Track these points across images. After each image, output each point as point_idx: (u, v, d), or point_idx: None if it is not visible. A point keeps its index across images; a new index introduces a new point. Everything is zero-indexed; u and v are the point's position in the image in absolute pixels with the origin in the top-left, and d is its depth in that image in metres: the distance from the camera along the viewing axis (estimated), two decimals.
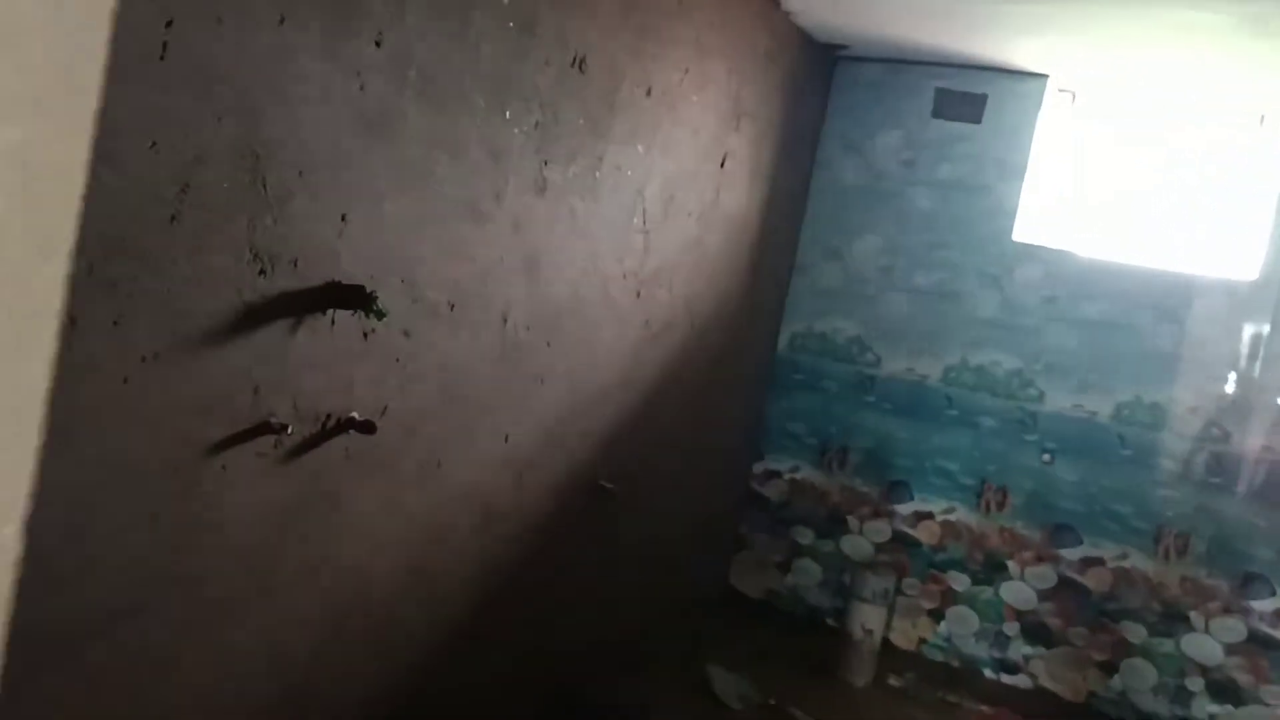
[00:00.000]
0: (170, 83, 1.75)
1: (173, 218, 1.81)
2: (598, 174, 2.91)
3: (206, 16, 1.78)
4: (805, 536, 4.41)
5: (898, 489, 4.24)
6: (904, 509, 4.21)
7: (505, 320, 2.70)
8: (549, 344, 2.90)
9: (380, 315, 2.14)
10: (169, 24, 1.72)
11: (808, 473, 4.37)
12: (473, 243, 2.51)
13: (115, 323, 1.76)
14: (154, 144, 1.74)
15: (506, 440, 2.84)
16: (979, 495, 4.07)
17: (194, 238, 1.85)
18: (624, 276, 3.18)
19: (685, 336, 3.64)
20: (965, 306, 4.08)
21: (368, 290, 2.15)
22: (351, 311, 2.16)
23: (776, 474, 4.44)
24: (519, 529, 2.99)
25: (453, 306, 2.50)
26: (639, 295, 3.28)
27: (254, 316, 2.01)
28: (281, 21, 1.91)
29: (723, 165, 3.62)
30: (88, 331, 1.72)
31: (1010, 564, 4.07)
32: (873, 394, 4.26)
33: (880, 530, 4.29)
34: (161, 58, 1.73)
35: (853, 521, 4.32)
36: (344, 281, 2.18)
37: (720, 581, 4.54)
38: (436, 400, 2.53)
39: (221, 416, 2.00)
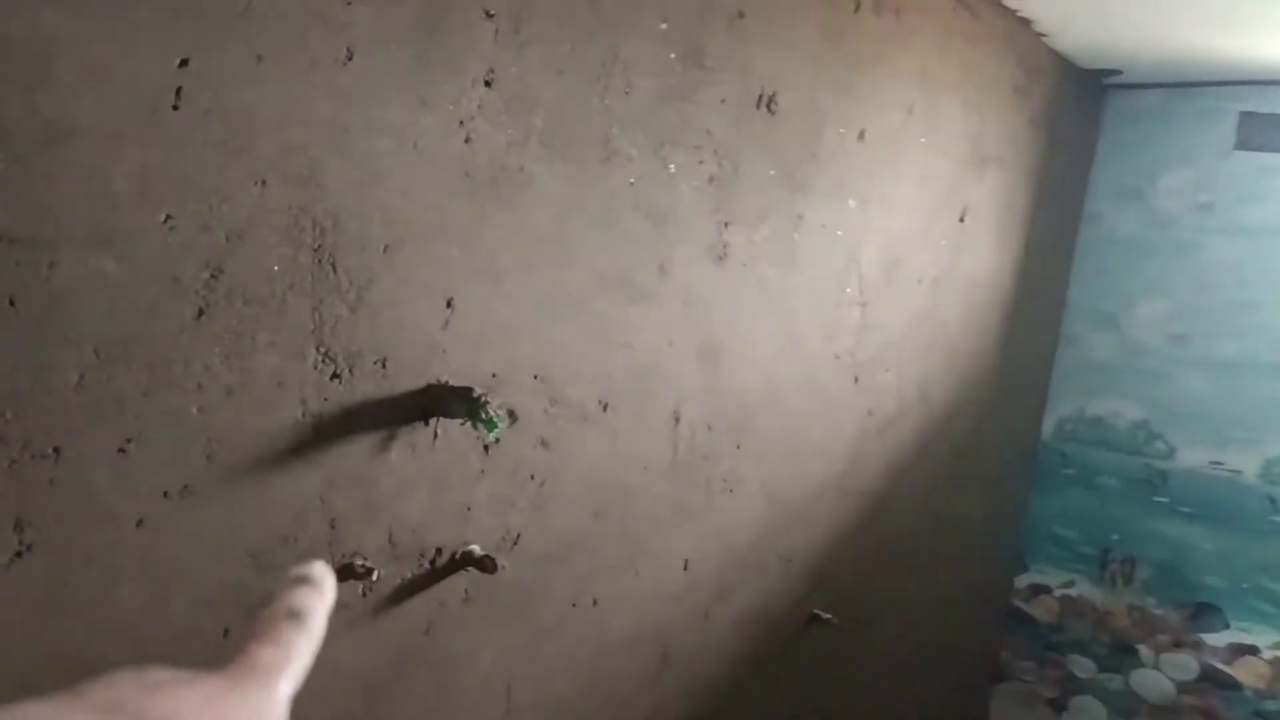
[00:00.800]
0: (188, 138, 1.32)
1: (200, 312, 1.37)
2: (796, 236, 2.33)
3: (238, 52, 1.34)
4: (1084, 669, 3.53)
5: (1206, 613, 3.32)
6: (1216, 639, 3.28)
7: (677, 420, 2.14)
8: (738, 446, 2.32)
9: (491, 425, 1.63)
10: (183, 63, 1.29)
11: (1084, 588, 3.52)
12: (629, 327, 1.98)
13: (121, 449, 1.32)
14: (168, 218, 1.31)
15: (686, 568, 2.26)
16: None
17: (233, 336, 1.40)
18: (836, 358, 2.55)
19: (920, 427, 2.95)
20: None
21: (475, 394, 1.64)
22: (461, 421, 1.66)
23: (1045, 589, 3.62)
24: (708, 676, 2.39)
25: (605, 406, 1.97)
26: (857, 381, 2.64)
27: (326, 432, 1.55)
28: (349, 59, 1.45)
29: (962, 220, 2.93)
30: (82, 462, 1.30)
31: None
32: (1165, 493, 3.38)
33: (1184, 665, 3.36)
34: (175, 107, 1.30)
35: (1145, 652, 3.42)
36: (449, 383, 1.68)
37: None
38: (587, 524, 2.00)
39: (283, 562, 1.53)
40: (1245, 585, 3.25)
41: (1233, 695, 3.29)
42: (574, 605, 2.03)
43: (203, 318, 1.39)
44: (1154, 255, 3.45)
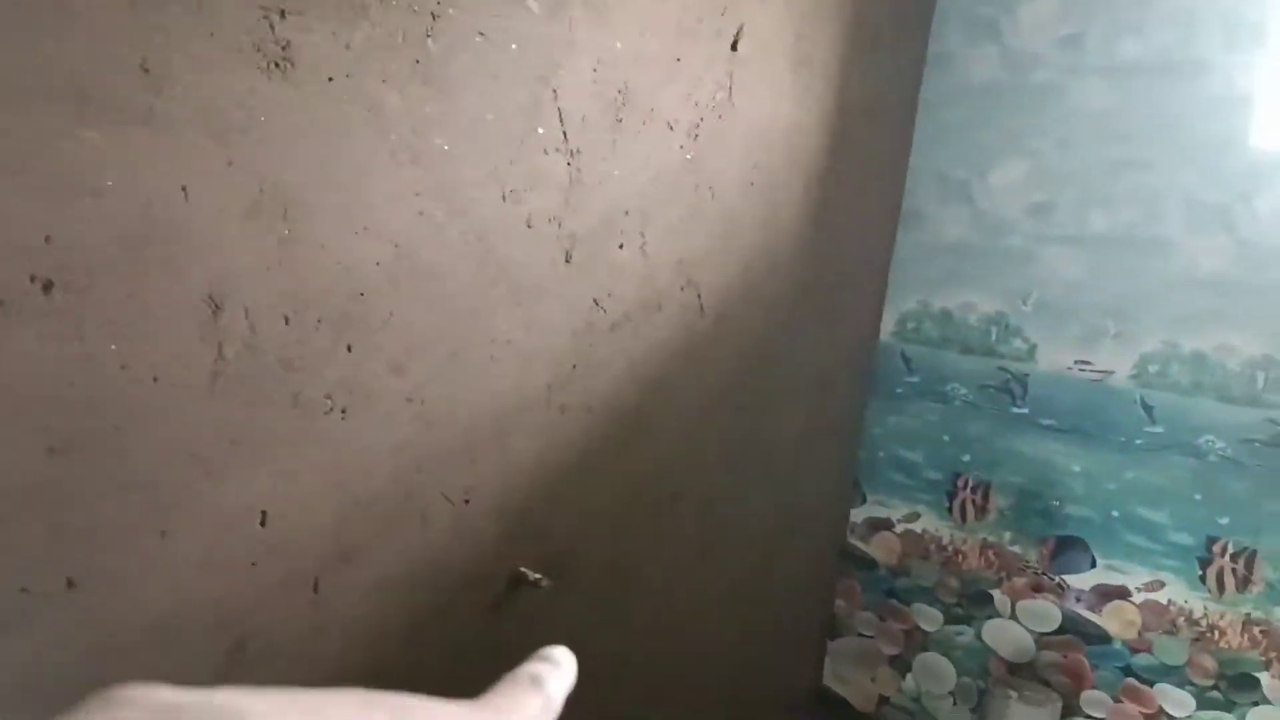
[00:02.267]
0: None
1: None
2: (432, 44, 1.61)
3: None
4: (930, 619, 2.91)
5: (1070, 550, 2.69)
6: (1081, 581, 2.66)
7: (217, 308, 1.44)
8: (349, 347, 1.62)
9: None
10: None
11: (930, 522, 2.89)
12: (93, 162, 1.27)
13: None
14: None
15: (264, 523, 1.57)
16: (1204, 561, 2.48)
17: None
18: (528, 226, 1.85)
19: (687, 323, 2.26)
20: (1172, 261, 2.50)
21: None
22: None
23: (885, 524, 2.97)
24: (325, 668, 1.72)
25: (48, 286, 1.26)
26: (570, 259, 1.94)
27: None
28: None
29: (734, 48, 2.20)
30: None
31: (1265, 674, 2.47)
32: (1024, 403, 2.73)
33: (1044, 613, 2.75)
34: None
35: (1000, 598, 2.80)
36: None
37: (809, 683, 3.11)
38: (40, 465, 1.31)
39: None
40: (1115, 514, 2.62)
41: (1100, 649, 2.68)
42: (23, 590, 1.33)
43: None
44: (1012, 104, 2.75)
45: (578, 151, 1.94)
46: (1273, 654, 2.44)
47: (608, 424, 2.14)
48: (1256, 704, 2.47)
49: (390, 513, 1.78)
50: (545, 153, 1.88)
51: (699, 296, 2.31)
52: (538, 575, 2.01)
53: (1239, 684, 2.50)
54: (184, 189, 1.40)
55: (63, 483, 1.36)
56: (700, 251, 2.28)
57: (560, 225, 1.94)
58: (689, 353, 2.31)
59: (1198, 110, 2.51)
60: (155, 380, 1.43)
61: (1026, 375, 2.77)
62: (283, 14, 1.44)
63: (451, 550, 1.90)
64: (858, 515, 3.08)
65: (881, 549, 3.05)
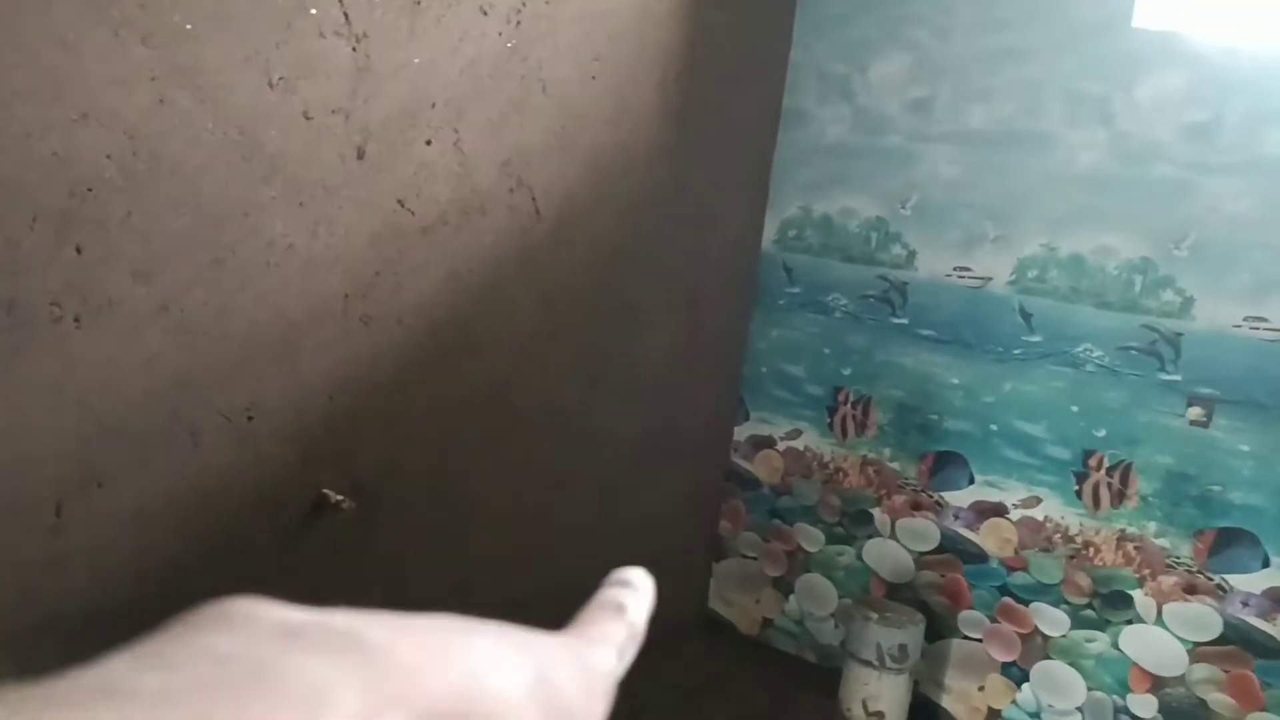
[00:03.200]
0: None
1: None
2: None
3: None
4: (812, 539, 2.79)
5: (949, 466, 2.56)
6: (959, 498, 2.54)
7: None
8: (79, 249, 1.45)
9: None
10: None
11: (811, 439, 2.76)
12: None
13: None
14: None
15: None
16: (1080, 475, 2.35)
17: None
18: (307, 118, 1.67)
19: (520, 228, 2.10)
20: (1051, 156, 2.33)
21: None
22: None
23: (767, 442, 2.84)
24: (72, 613, 1.58)
25: None
26: (363, 155, 1.76)
27: None
28: None
29: None
30: None
31: (1139, 591, 2.36)
32: (904, 312, 2.59)
33: (923, 532, 2.63)
34: None
35: (880, 517, 2.68)
36: None
37: (695, 606, 3.00)
38: None
39: None
40: (994, 427, 2.49)
41: (978, 567, 2.56)
42: None
43: None
44: None
45: (364, 35, 1.75)
46: (1146, 571, 2.33)
47: (425, 337, 1.98)
48: (1130, 622, 2.36)
49: (148, 433, 1.62)
50: (321, 36, 1.69)
51: (533, 199, 2.14)
52: (340, 497, 1.87)
53: (1113, 601, 2.39)
54: None
55: None
56: (532, 150, 2.10)
57: (347, 118, 1.76)
58: (523, 260, 2.15)
59: None
60: None
61: (906, 284, 2.62)
62: None
63: (233, 473, 1.75)
64: (741, 433, 2.95)
65: (765, 468, 2.92)
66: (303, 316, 1.79)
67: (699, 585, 3.10)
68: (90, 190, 1.48)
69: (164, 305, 1.60)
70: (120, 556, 1.63)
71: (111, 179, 1.49)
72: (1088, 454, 2.36)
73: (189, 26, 1.52)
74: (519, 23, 2.01)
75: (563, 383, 2.35)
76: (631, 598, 0.45)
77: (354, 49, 1.75)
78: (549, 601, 2.42)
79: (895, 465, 2.68)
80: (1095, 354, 2.32)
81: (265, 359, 1.75)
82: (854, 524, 2.77)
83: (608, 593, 0.46)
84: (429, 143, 1.91)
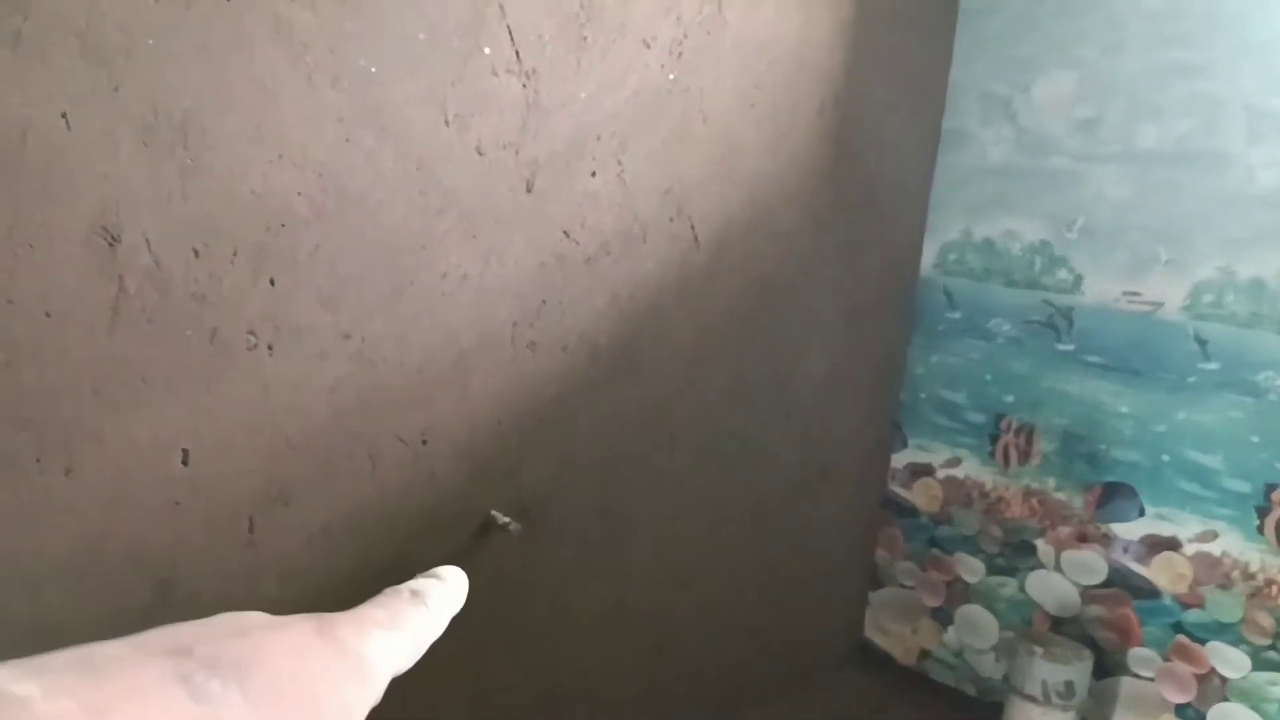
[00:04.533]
0: None
1: None
2: None
3: None
4: (972, 570, 2.73)
5: (1118, 497, 2.47)
6: (1128, 531, 2.44)
7: (113, 239, 1.38)
8: (272, 281, 1.55)
9: None
10: None
11: (971, 467, 2.70)
12: None
13: None
14: None
15: (186, 461, 1.52)
16: (1262, 510, 2.24)
17: None
18: (479, 152, 1.74)
19: (680, 255, 2.14)
20: (1228, 176, 2.24)
21: None
22: None
23: (925, 470, 2.79)
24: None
25: None
26: (531, 188, 1.83)
27: None
28: None
29: None
30: None
31: None
32: (1070, 338, 2.51)
33: (1089, 565, 2.54)
34: None
35: (1044, 549, 2.60)
36: None
37: (850, 636, 2.97)
38: None
39: None
40: (1165, 458, 2.39)
41: (1149, 603, 2.46)
42: None
43: None
44: (1057, 6, 2.50)
45: (534, 72, 1.82)
46: None
47: (588, 362, 2.03)
48: None
49: (332, 453, 1.72)
50: (494, 74, 1.76)
51: (692, 227, 2.17)
52: (508, 519, 1.93)
53: None
54: (64, 116, 1.33)
55: None
56: (692, 179, 2.14)
57: (518, 152, 1.83)
58: (683, 287, 2.18)
59: (1260, 2, 2.22)
60: (48, 315, 1.38)
61: (1071, 309, 2.54)
62: None
63: (409, 493, 1.83)
64: (899, 460, 2.90)
65: (923, 496, 2.87)
66: (473, 343, 1.86)
67: (854, 614, 3.06)
68: (283, 225, 1.57)
69: (348, 333, 1.68)
70: (307, 569, 1.72)
71: (302, 214, 1.59)
72: (1270, 488, 2.24)
73: (373, 69, 1.61)
74: (680, 54, 2.04)
75: (720, 406, 2.37)
76: (434, 587, 0.45)
77: (524, 85, 1.82)
78: (705, 622, 2.44)
79: (1060, 495, 2.59)
80: (1279, 382, 2.20)
81: (439, 384, 1.83)
82: (1016, 555, 2.70)
83: (410, 582, 0.45)
84: (593, 174, 1.96)
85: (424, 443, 1.84)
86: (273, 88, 1.52)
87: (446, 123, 1.73)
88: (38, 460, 1.41)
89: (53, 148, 1.34)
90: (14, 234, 1.34)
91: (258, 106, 1.51)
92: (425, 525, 1.88)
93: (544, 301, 1.94)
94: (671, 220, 2.12)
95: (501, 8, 1.75)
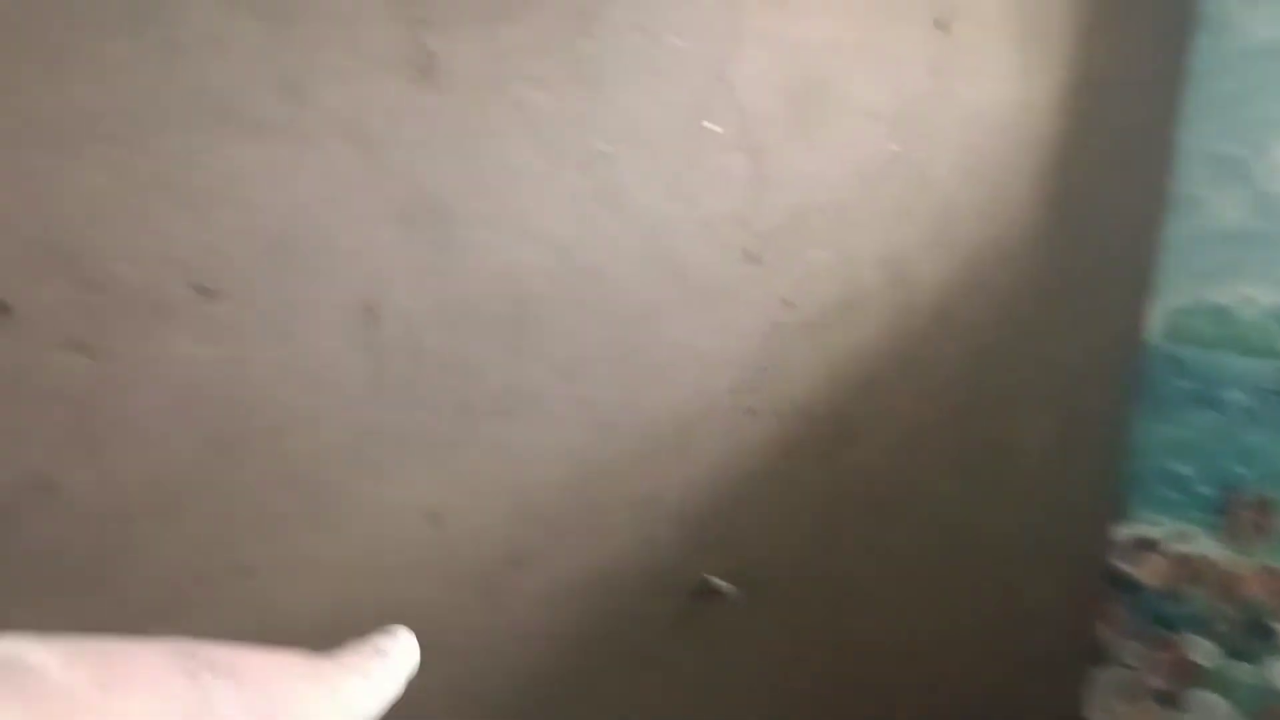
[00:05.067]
0: None
1: None
2: (584, 43, 1.53)
3: None
4: (1206, 653, 2.48)
5: None
6: None
7: (373, 313, 1.42)
8: (517, 350, 1.56)
9: None
10: None
11: (1204, 544, 2.47)
12: (239, 174, 1.30)
13: None
14: None
15: (435, 522, 1.54)
16: None
17: None
18: (706, 225, 1.72)
19: (896, 322, 2.05)
20: None
21: None
22: None
23: (1150, 544, 2.58)
24: (506, 669, 1.68)
25: (209, 293, 1.28)
26: (755, 258, 1.79)
27: None
28: None
29: (944, 29, 1.97)
30: None
31: None
32: None
33: None
34: None
35: None
36: None
37: (1070, 713, 2.75)
38: (207, 463, 1.36)
39: None
40: None
41: None
42: (199, 578, 1.37)
43: None
44: None
45: (759, 147, 1.79)
46: None
47: (804, 429, 1.97)
48: None
49: (564, 517, 1.71)
50: (721, 150, 1.74)
51: (910, 294, 2.08)
52: (724, 584, 1.87)
53: None
54: (332, 198, 1.39)
55: (228, 478, 1.39)
56: (910, 246, 2.05)
57: (742, 224, 1.80)
58: (901, 354, 2.09)
59: None
60: (314, 382, 1.43)
61: None
62: (427, 23, 1.40)
63: (631, 557, 1.80)
64: (1122, 533, 2.68)
65: (1148, 571, 2.64)
66: (696, 410, 1.82)
67: (1073, 691, 2.83)
68: (525, 299, 1.58)
69: (582, 400, 1.68)
70: (540, 630, 1.71)
71: (542, 289, 1.59)
72: None
73: (609, 149, 1.61)
74: (902, 125, 1.97)
75: (936, 474, 2.25)
76: (395, 647, 0.45)
77: (749, 160, 1.78)
78: (923, 694, 2.29)
79: None
80: None
81: (663, 450, 1.80)
82: (1252, 638, 2.43)
83: (373, 639, 0.46)
84: (814, 244, 1.90)
85: (647, 507, 1.80)
86: (517, 170, 1.53)
87: (675, 197, 1.71)
88: (304, 518, 1.45)
89: (321, 227, 1.39)
90: (289, 308, 1.39)
91: (504, 188, 1.53)
92: (646, 588, 1.84)
93: (764, 369, 1.89)
94: (889, 287, 2.04)
95: (731, 87, 1.72)
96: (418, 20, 1.41)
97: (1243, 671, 2.47)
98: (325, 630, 1.44)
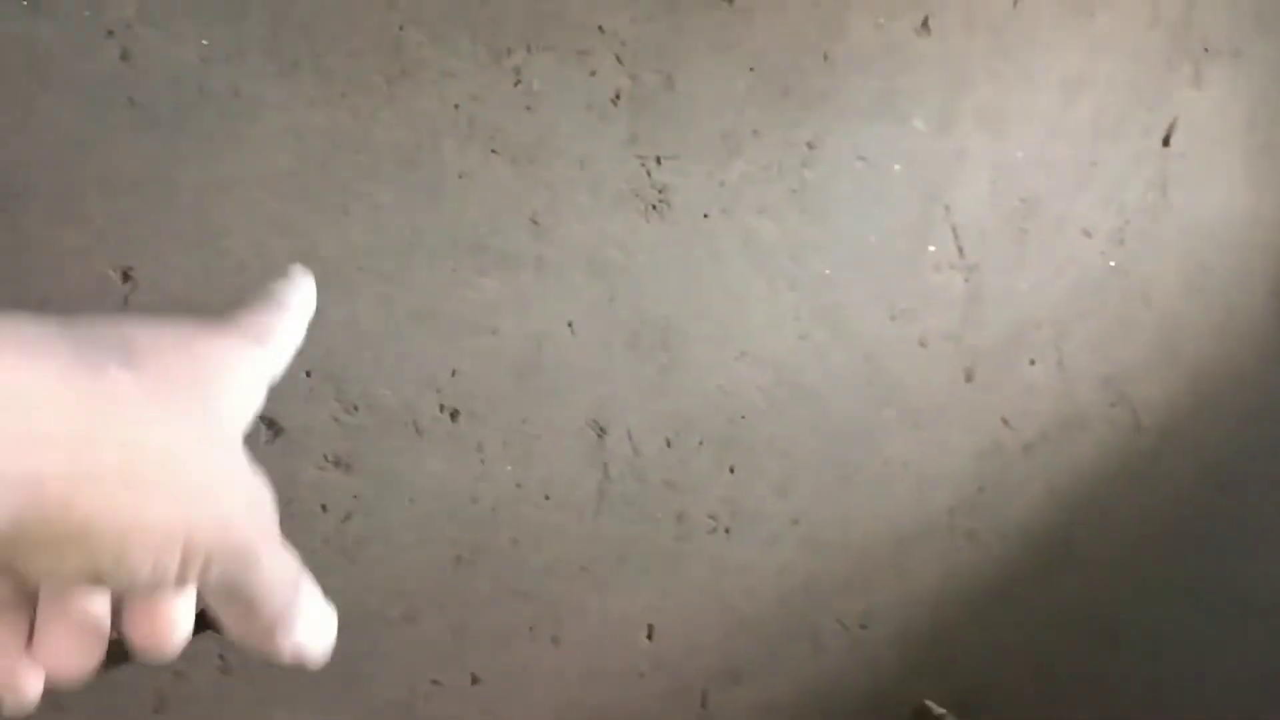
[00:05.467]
0: None
1: None
2: (808, 173, 1.53)
3: None
4: None
5: None
6: None
7: (602, 432, 1.45)
8: (731, 469, 1.55)
9: None
10: None
11: None
12: (485, 304, 1.35)
13: None
14: None
15: (650, 635, 1.53)
16: None
17: None
18: (921, 344, 1.67)
19: (1119, 441, 1.92)
20: None
21: None
22: None
23: None
24: None
25: (454, 414, 1.34)
26: (971, 377, 1.72)
27: None
28: None
29: (1167, 144, 1.87)
30: None
31: None
32: None
33: None
34: None
35: None
36: None
37: None
38: (446, 572, 1.40)
39: None
40: None
41: None
42: (435, 682, 1.39)
43: None
44: None
45: (975, 266, 1.72)
46: None
47: (1023, 552, 1.84)
48: None
49: (778, 634, 1.64)
50: (937, 270, 1.68)
51: (1134, 413, 1.93)
52: (943, 711, 1.74)
53: None
54: (569, 324, 1.41)
55: (466, 588, 1.41)
56: (1132, 364, 1.91)
57: (958, 343, 1.72)
58: (1125, 475, 1.93)
59: None
60: (547, 498, 1.44)
61: None
62: (659, 160, 1.43)
63: (847, 677, 1.71)
64: None
65: None
66: (912, 529, 1.73)
67: None
68: (743, 417, 1.55)
69: (796, 518, 1.62)
70: None
71: (760, 407, 1.56)
72: None
73: (828, 272, 1.58)
74: (1122, 241, 1.86)
75: (1166, 602, 2.05)
76: (294, 295, 0.41)
77: (966, 280, 1.72)
78: None
79: None
80: None
81: (878, 569, 1.71)
82: None
83: (269, 290, 0.41)
84: (1032, 362, 1.80)
85: (863, 628, 1.72)
86: (739, 293, 1.52)
87: (892, 317, 1.66)
88: (530, 629, 1.44)
89: (560, 352, 1.41)
90: (526, 427, 1.41)
91: (726, 310, 1.52)
92: (861, 710, 1.74)
93: (981, 489, 1.78)
94: (1112, 406, 1.90)
95: (947, 208, 1.67)
96: (651, 159, 1.44)
97: None
98: None
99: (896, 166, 1.64)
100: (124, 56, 1.15)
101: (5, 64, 1.10)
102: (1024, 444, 1.84)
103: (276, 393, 1.15)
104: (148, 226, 1.18)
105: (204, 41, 1.18)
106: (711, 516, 1.58)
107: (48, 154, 1.12)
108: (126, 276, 1.19)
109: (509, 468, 1.42)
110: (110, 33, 1.13)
